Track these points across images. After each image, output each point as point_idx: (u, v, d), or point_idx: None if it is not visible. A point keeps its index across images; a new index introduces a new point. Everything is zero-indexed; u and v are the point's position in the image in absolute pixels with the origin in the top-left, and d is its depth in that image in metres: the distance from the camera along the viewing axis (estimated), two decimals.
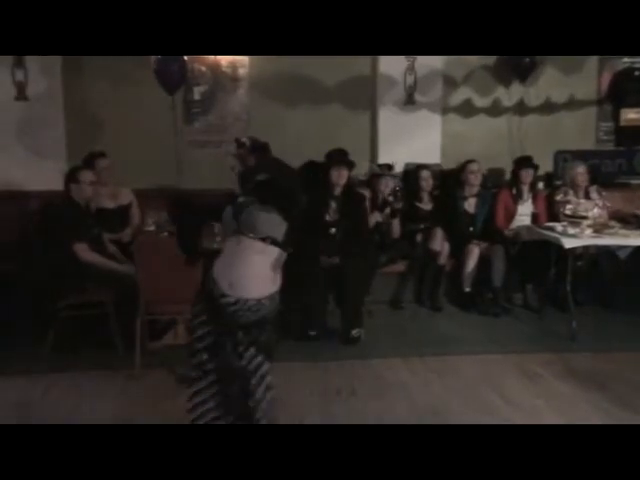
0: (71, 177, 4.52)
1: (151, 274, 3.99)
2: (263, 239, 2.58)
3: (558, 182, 5.86)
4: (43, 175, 5.31)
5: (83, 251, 4.33)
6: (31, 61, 5.44)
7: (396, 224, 5.45)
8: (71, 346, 4.39)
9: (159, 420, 3.29)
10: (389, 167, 5.53)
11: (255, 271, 2.57)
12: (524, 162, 5.65)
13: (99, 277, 4.30)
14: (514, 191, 5.67)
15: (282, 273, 2.69)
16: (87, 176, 4.55)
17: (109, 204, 5.07)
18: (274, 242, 2.59)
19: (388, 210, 5.35)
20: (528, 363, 4.28)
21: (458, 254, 5.49)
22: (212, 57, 5.94)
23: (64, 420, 3.44)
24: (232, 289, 2.54)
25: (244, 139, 3.83)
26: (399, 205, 5.33)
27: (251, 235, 2.56)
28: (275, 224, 2.60)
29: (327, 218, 4.96)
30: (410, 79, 5.94)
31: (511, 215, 5.65)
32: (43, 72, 5.51)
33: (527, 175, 5.62)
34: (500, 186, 5.86)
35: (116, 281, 4.24)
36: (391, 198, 5.29)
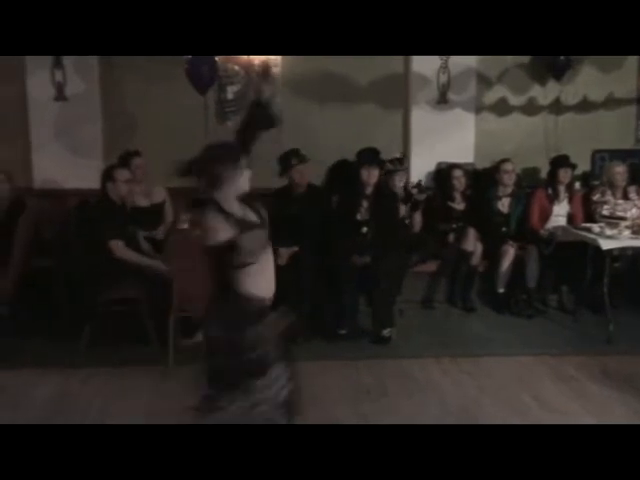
0: (107, 175, 4.60)
1: (184, 272, 4.03)
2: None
3: (595, 182, 5.75)
4: (81, 173, 5.40)
5: (118, 248, 4.40)
6: (69, 62, 5.53)
7: (417, 218, 5.40)
8: (106, 342, 4.47)
9: (191, 417, 3.34)
10: (400, 161, 5.48)
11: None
12: (562, 161, 5.56)
13: (133, 274, 4.36)
14: (550, 191, 5.59)
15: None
16: (123, 174, 4.62)
17: (143, 202, 5.14)
18: None
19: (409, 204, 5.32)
20: (563, 365, 4.22)
21: (491, 254, 5.44)
22: (245, 56, 5.97)
23: (98, 414, 3.51)
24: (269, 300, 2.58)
25: None
26: (422, 197, 5.29)
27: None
28: None
29: (358, 217, 4.96)
30: (443, 78, 5.89)
31: (546, 215, 5.56)
32: (81, 72, 5.59)
33: (565, 175, 5.53)
34: (535, 186, 5.78)
35: (150, 278, 4.30)
36: (415, 191, 5.24)
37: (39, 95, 5.57)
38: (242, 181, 2.54)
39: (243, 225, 2.46)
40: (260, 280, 2.52)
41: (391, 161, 5.41)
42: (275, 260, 2.70)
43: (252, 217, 2.57)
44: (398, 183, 5.32)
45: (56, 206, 5.28)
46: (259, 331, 2.48)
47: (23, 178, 5.56)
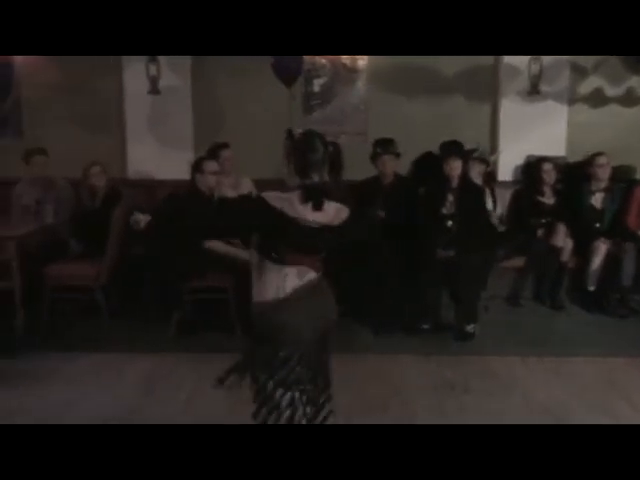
0: (196, 167, 4.74)
1: None
2: None
3: None
4: (172, 165, 5.60)
5: None
6: (163, 57, 5.70)
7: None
8: (193, 329, 4.63)
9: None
10: (472, 151, 5.36)
11: None
12: None
13: (220, 263, 4.48)
14: None
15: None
16: (211, 166, 4.75)
17: (231, 193, 5.25)
18: None
19: None
20: None
21: (582, 251, 5.24)
22: None
23: (186, 401, 3.64)
24: None
25: None
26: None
27: None
28: None
29: (444, 211, 4.89)
30: (535, 68, 5.69)
31: None
32: (174, 67, 5.77)
33: None
34: (635, 181, 5.50)
35: (236, 268, 4.40)
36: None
37: (134, 89, 5.80)
38: None
39: None
40: None
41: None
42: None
43: None
44: (473, 175, 5.20)
45: (148, 196, 5.48)
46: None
47: (118, 169, 5.81)
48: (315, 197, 2.37)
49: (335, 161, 2.47)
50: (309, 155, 2.42)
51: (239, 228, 2.64)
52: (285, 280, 2.39)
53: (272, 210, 2.32)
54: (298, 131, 2.52)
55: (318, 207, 2.37)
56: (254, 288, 2.49)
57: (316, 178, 2.43)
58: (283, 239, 2.38)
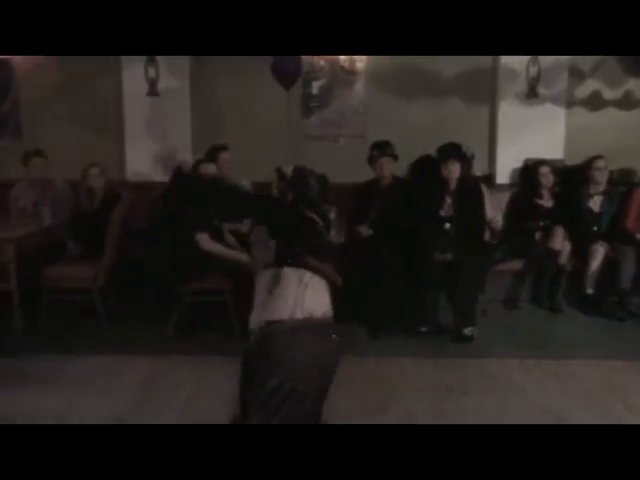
0: (194, 170, 4.74)
1: None
2: None
3: None
4: (170, 167, 5.58)
5: (204, 241, 4.53)
6: (162, 58, 5.70)
7: None
8: (191, 331, 4.62)
9: None
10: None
11: None
12: None
13: (218, 266, 4.48)
14: None
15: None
16: (209, 169, 4.74)
17: None
18: None
19: None
20: None
21: (580, 254, 5.24)
22: None
23: (184, 400, 3.63)
24: None
25: None
26: None
27: None
28: None
29: (442, 213, 4.90)
30: (533, 71, 5.71)
31: None
32: (172, 68, 5.77)
33: None
34: (633, 184, 5.50)
35: (234, 270, 4.40)
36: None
37: (133, 90, 5.80)
38: None
39: None
40: None
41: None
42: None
43: None
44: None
45: (147, 198, 5.47)
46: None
47: (117, 171, 5.81)
48: None
49: (326, 193, 2.48)
50: (304, 193, 2.44)
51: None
52: (305, 294, 2.25)
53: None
54: (289, 169, 2.50)
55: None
56: (264, 304, 2.32)
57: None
58: (300, 240, 2.31)
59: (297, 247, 2.31)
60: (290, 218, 2.33)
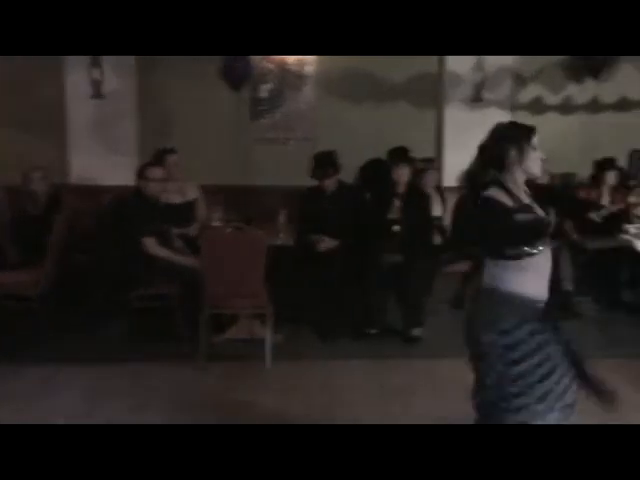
0: (141, 173, 4.67)
1: (216, 269, 4.07)
2: None
3: (632, 182, 5.63)
4: (116, 170, 5.49)
5: (151, 245, 4.46)
6: (107, 60, 5.59)
7: None
8: (139, 337, 4.54)
9: (223, 412, 3.40)
10: (430, 161, 5.48)
11: None
12: (607, 164, 5.44)
13: (166, 271, 4.42)
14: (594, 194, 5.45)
15: None
16: (156, 172, 4.68)
17: (177, 199, 5.18)
18: None
19: None
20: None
21: None
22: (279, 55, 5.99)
23: (131, 409, 3.56)
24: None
25: None
26: None
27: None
28: None
29: (390, 216, 4.94)
30: (478, 76, 5.83)
31: None
32: (118, 70, 5.67)
33: (611, 178, 5.42)
34: (573, 187, 5.67)
35: (182, 275, 4.35)
36: None
37: (77, 93, 5.68)
38: (532, 164, 2.50)
39: (526, 210, 2.41)
40: (531, 278, 2.43)
41: (423, 161, 5.40)
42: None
43: (535, 206, 2.51)
44: (430, 183, 5.29)
45: (91, 202, 5.36)
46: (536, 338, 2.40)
47: (60, 174, 5.66)
48: None
49: None
50: None
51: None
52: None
53: None
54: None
55: None
56: (516, 278, 2.41)
57: None
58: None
59: None
60: None
